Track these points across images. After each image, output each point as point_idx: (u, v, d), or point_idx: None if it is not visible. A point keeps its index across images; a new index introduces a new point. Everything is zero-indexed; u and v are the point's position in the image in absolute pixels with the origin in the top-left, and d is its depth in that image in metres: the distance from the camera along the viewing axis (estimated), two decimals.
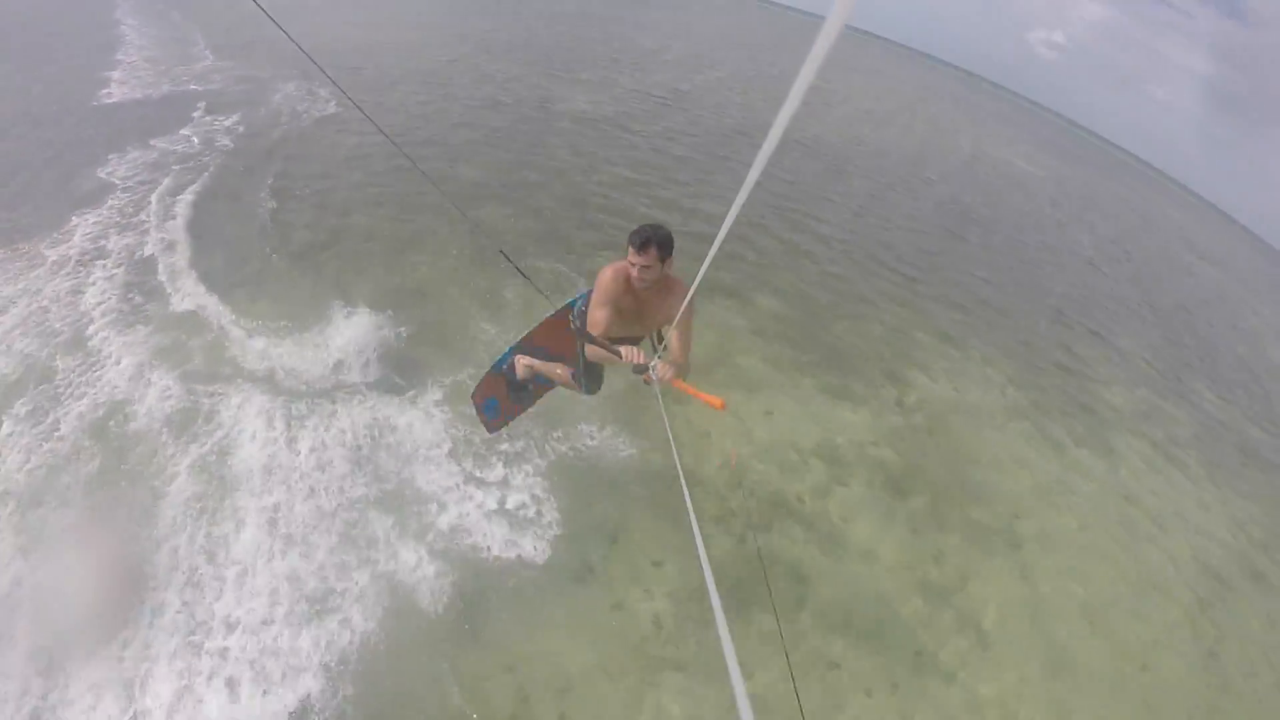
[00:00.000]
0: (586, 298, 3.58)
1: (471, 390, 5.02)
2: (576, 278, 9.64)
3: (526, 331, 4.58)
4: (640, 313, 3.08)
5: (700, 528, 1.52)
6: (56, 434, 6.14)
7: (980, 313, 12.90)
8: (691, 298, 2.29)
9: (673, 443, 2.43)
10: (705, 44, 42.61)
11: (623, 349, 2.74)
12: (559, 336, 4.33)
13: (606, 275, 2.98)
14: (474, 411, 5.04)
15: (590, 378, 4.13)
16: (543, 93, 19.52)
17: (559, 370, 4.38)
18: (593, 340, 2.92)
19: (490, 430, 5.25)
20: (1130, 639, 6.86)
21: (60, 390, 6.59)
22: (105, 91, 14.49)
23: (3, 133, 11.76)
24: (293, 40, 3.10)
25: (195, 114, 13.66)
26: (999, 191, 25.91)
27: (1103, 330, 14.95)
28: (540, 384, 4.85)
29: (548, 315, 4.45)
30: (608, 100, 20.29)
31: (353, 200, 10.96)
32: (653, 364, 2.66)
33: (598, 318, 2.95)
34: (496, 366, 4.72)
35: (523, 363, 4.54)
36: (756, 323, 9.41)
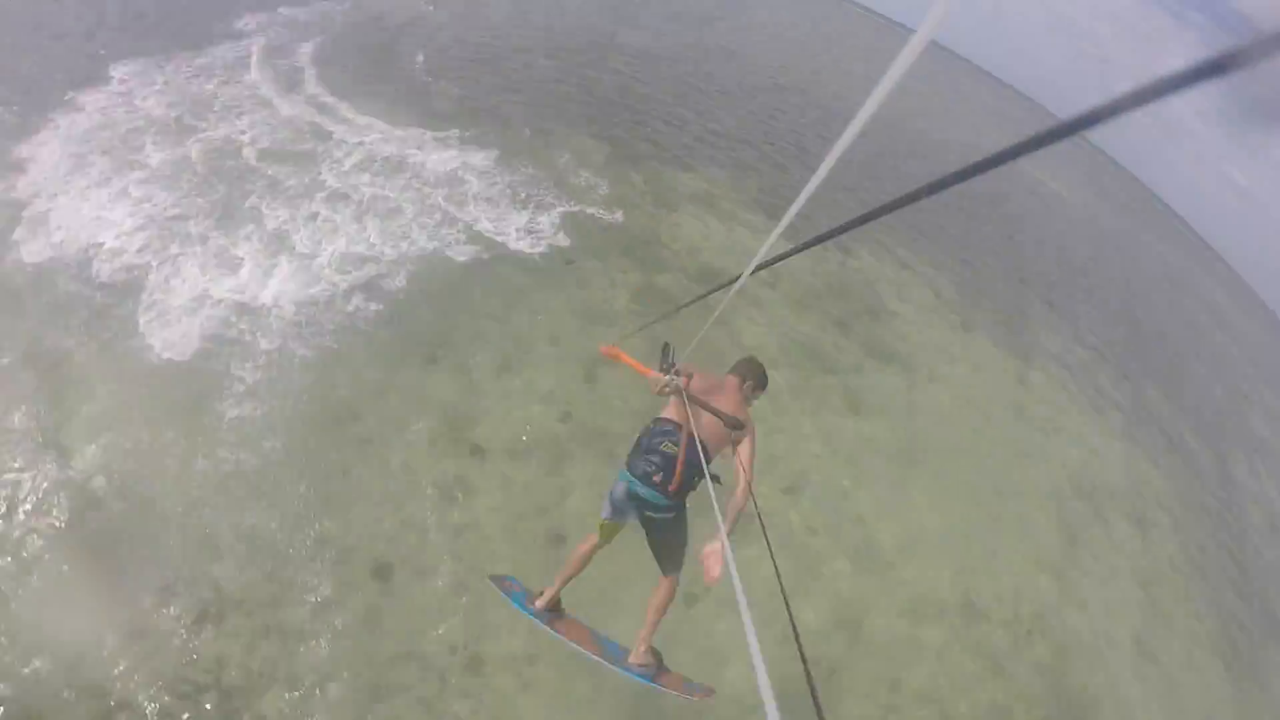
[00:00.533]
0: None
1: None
2: (599, 134, 11.98)
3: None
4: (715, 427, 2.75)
5: None
6: (192, 145, 8.73)
7: (939, 252, 14.17)
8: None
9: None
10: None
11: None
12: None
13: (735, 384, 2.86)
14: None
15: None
16: (605, 26, 22.05)
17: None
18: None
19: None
20: (992, 488, 7.92)
21: (194, 129, 9.09)
22: None
23: None
24: None
25: None
26: (1014, 192, 26.08)
27: (1060, 308, 15.30)
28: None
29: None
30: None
31: (447, 66, 13.46)
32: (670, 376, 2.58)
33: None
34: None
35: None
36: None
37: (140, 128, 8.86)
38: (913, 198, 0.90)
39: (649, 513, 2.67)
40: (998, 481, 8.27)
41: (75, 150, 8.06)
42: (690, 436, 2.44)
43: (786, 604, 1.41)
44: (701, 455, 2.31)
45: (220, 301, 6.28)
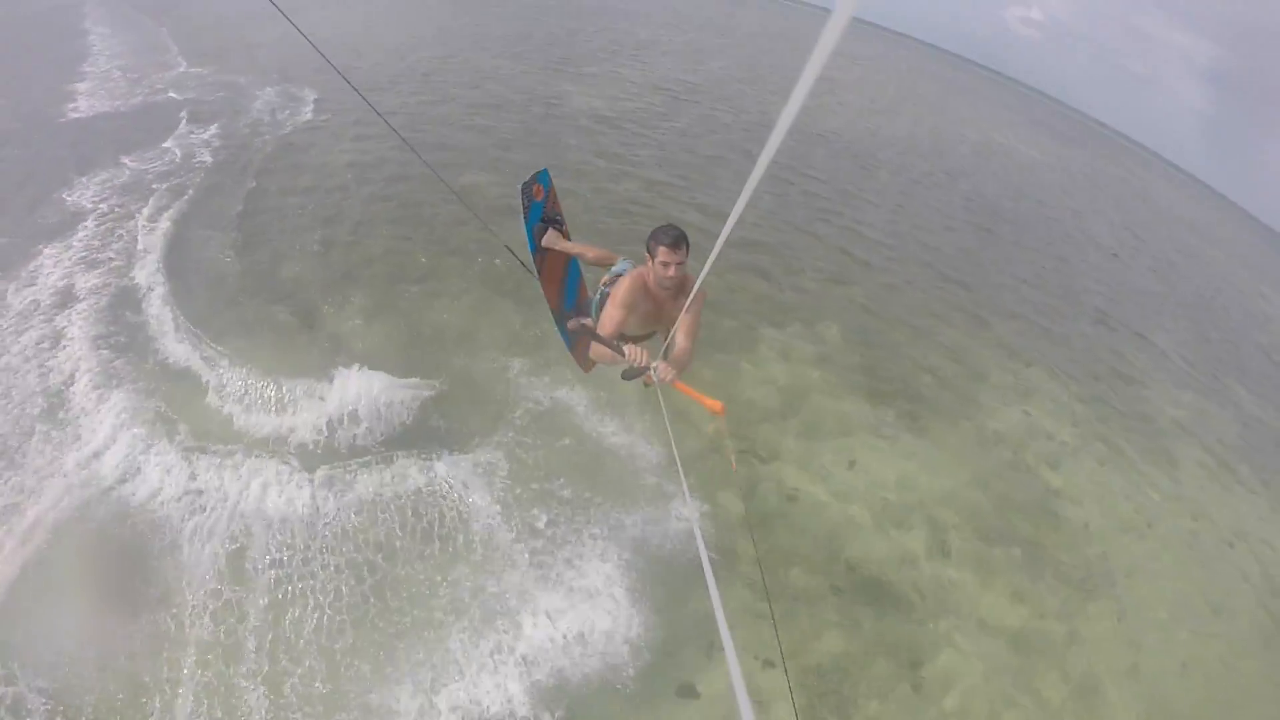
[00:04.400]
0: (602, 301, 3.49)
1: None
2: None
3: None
4: (658, 314, 3.13)
5: None
6: (28, 531, 5.16)
7: (1033, 318, 12.29)
8: (698, 292, 2.32)
9: (679, 465, 2.40)
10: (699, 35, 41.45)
11: (627, 348, 2.74)
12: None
13: (625, 282, 3.03)
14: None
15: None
16: (548, 89, 18.39)
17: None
18: (598, 338, 3.00)
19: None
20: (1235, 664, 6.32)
21: (26, 485, 5.49)
22: (72, 106, 13.20)
23: None
24: (309, 39, 2.97)
25: (171, 126, 12.43)
26: (1015, 182, 25.36)
27: (1144, 331, 14.39)
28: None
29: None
30: (608, 98, 19.19)
31: (345, 216, 9.80)
32: (654, 365, 2.67)
33: (613, 317, 2.98)
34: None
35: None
36: (818, 360, 8.49)
37: None
38: None
39: None
40: (1231, 653, 6.57)
41: None
42: None
43: None
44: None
45: None
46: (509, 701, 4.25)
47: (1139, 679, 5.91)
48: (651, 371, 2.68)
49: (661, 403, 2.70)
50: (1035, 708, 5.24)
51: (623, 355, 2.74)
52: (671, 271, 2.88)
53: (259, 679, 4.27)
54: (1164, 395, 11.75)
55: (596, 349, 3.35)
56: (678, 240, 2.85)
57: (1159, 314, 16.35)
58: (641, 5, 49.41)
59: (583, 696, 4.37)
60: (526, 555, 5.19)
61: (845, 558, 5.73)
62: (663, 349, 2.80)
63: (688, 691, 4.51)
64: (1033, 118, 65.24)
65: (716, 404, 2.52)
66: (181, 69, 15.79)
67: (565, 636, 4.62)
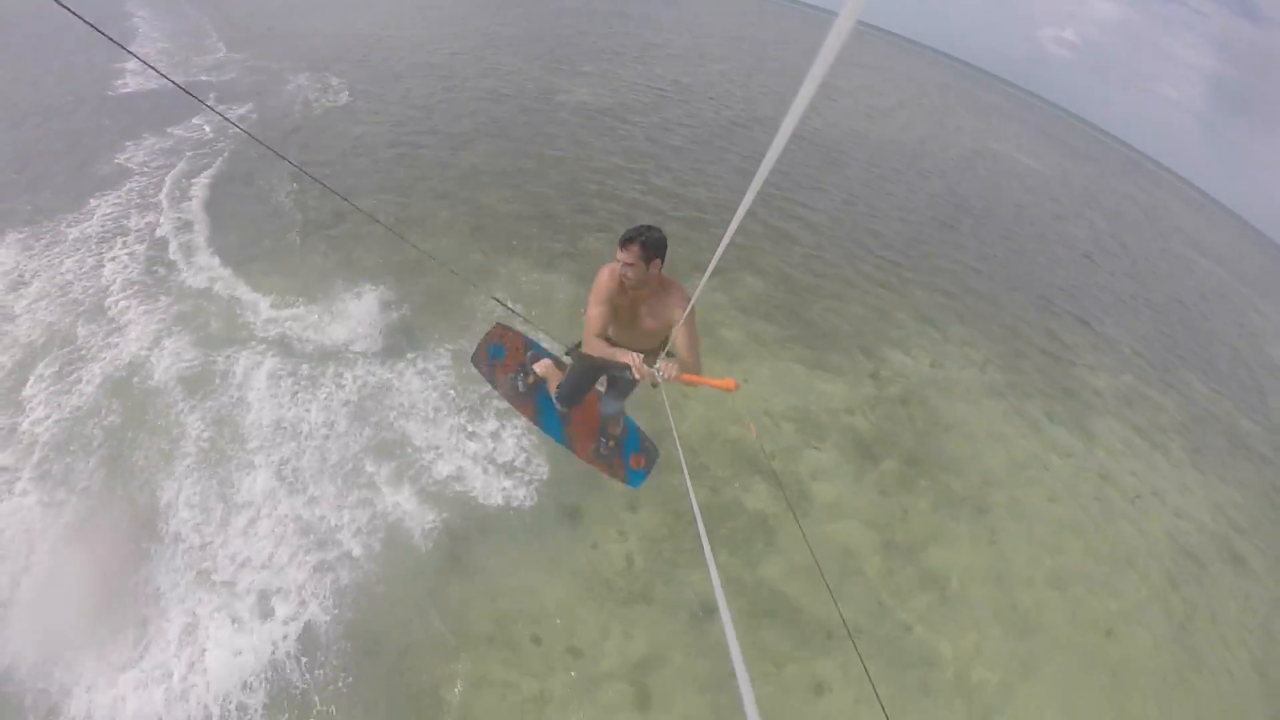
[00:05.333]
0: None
1: (471, 353, 4.91)
2: (566, 258, 10.09)
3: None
4: (635, 314, 3.12)
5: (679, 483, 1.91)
6: (79, 390, 6.68)
7: (965, 298, 13.17)
8: (693, 305, 2.49)
9: (677, 440, 2.53)
10: (709, 39, 42.85)
11: (623, 354, 2.76)
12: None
13: (603, 274, 3.07)
14: (477, 371, 4.85)
15: (572, 388, 4.03)
16: (545, 84, 19.95)
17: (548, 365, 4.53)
18: (591, 356, 3.06)
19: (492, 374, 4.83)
20: (1098, 609, 7.10)
21: (82, 353, 7.13)
22: (120, 82, 15.05)
23: (19, 122, 12.29)
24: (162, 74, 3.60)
25: (208, 103, 14.18)
26: (997, 185, 26.04)
27: (1091, 319, 15.08)
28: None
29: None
30: (608, 92, 20.68)
31: (360, 184, 11.47)
32: (657, 366, 2.69)
33: (593, 315, 3.07)
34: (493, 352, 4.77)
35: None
36: (738, 300, 9.82)
37: (19, 365, 6.75)
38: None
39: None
40: (1104, 589, 7.38)
41: None
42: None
43: None
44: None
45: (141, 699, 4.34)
46: (422, 514, 5.64)
47: (999, 584, 6.83)
48: (655, 372, 2.69)
49: (664, 397, 2.68)
50: (881, 584, 6.34)
51: (621, 359, 2.77)
52: (628, 273, 2.92)
53: (255, 467, 5.72)
54: (1096, 375, 12.52)
55: (601, 350, 3.20)
56: (628, 239, 2.87)
57: (1118, 309, 16.84)
58: (660, 11, 50.99)
59: (487, 515, 5.72)
60: (457, 421, 6.59)
61: (724, 438, 6.99)
62: (664, 352, 2.91)
63: (573, 513, 5.85)
64: (1048, 133, 65.30)
65: (728, 382, 2.53)
66: (221, 54, 17.66)
67: (474, 474, 6.01)
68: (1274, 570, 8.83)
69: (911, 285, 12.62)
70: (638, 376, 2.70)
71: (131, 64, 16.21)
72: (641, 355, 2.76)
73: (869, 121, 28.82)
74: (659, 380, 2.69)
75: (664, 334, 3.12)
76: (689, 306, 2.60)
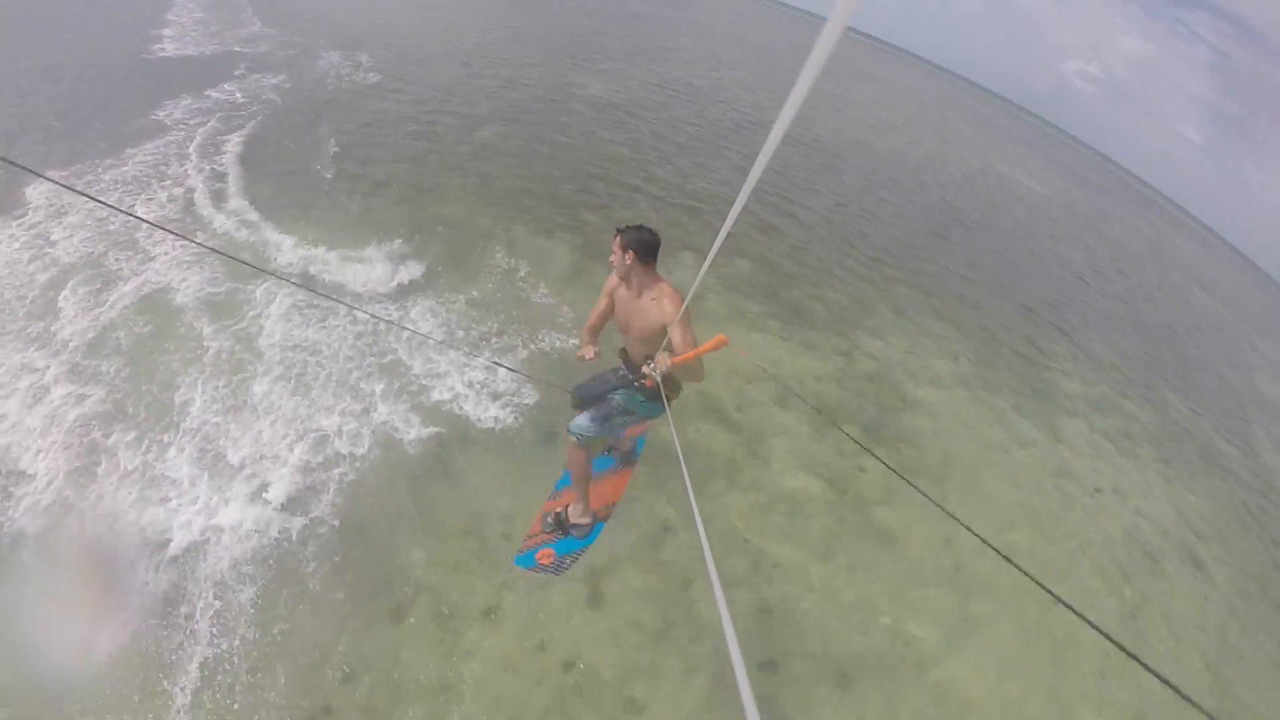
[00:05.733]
0: None
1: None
2: (565, 230, 10.76)
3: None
4: (629, 313, 3.26)
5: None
6: (109, 305, 7.38)
7: (946, 299, 13.70)
8: (687, 305, 2.68)
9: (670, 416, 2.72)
10: (725, 45, 43.78)
11: (587, 348, 3.22)
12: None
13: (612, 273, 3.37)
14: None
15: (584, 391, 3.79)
16: (560, 78, 20.76)
17: None
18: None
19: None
20: (1049, 580, 7.08)
21: (114, 275, 7.84)
22: (159, 46, 15.95)
23: (58, 77, 13.08)
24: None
25: (247, 71, 15.07)
26: (996, 203, 26.55)
27: (1073, 332, 15.36)
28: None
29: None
30: (620, 88, 21.47)
31: (383, 153, 12.21)
32: (652, 365, 2.82)
33: (598, 305, 3.45)
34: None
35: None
36: (723, 277, 10.44)
37: (54, 280, 7.50)
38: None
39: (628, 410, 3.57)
40: (1054, 570, 7.66)
41: None
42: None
43: None
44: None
45: (152, 554, 4.97)
46: (420, 424, 6.28)
47: (947, 548, 7.15)
48: (648, 368, 2.85)
49: (668, 413, 2.69)
50: (829, 531, 6.87)
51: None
52: (611, 262, 3.23)
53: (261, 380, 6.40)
54: (1070, 380, 12.89)
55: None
56: (616, 232, 3.19)
57: (1103, 326, 17.05)
58: (682, 13, 52.02)
59: (474, 432, 6.35)
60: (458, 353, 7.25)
61: (695, 389, 7.58)
62: (660, 350, 3.04)
63: (550, 437, 6.47)
64: (1060, 161, 65.69)
65: (718, 339, 2.63)
66: (256, 27, 18.57)
67: (468, 395, 6.66)
68: (1234, 580, 8.97)
69: (894, 283, 13.18)
70: (649, 382, 2.93)
71: (168, 30, 17.15)
72: (650, 363, 2.94)
73: (874, 134, 29.49)
74: (656, 377, 2.81)
75: (660, 333, 3.14)
76: (683, 306, 2.73)
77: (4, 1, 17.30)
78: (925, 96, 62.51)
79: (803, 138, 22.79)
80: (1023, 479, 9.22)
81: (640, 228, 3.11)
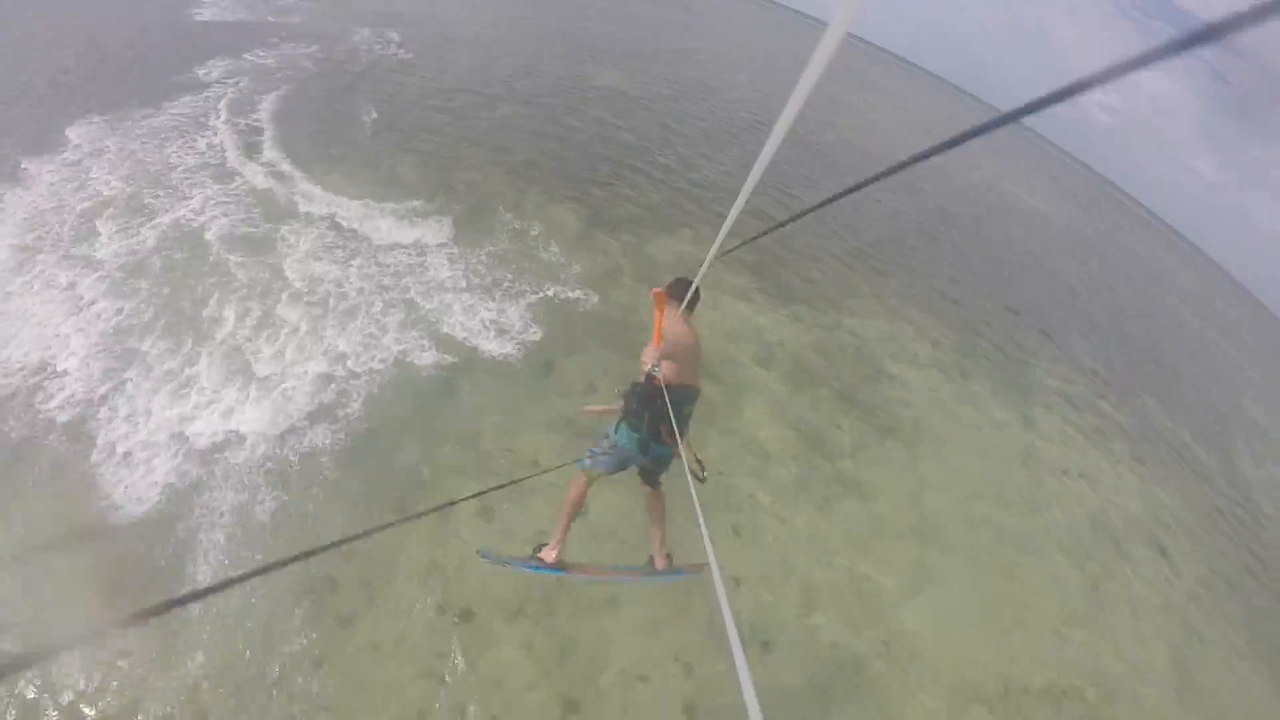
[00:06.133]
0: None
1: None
2: (570, 200, 11.43)
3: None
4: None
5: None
6: (145, 233, 8.04)
7: (930, 294, 14.11)
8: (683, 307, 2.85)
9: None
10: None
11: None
12: None
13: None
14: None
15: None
16: (574, 68, 21.47)
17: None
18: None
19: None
20: (1007, 549, 7.83)
21: (149, 209, 8.51)
22: (197, 11, 16.67)
23: (99, 39, 13.53)
24: None
25: (276, 40, 15.80)
26: (995, 216, 27.13)
27: (1055, 335, 15.70)
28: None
29: None
30: (635, 84, 22.16)
31: (409, 121, 12.91)
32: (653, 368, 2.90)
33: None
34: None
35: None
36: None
37: (92, 210, 8.20)
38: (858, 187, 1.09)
39: (656, 458, 3.26)
40: (1016, 540, 8.13)
41: (22, 240, 7.42)
42: (667, 390, 2.94)
43: None
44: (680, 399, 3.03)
45: (180, 447, 5.60)
46: (434, 350, 6.94)
47: (913, 505, 7.73)
48: (651, 368, 2.93)
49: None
50: (799, 483, 7.42)
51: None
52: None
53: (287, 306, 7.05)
54: (1049, 377, 13.18)
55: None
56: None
57: (1089, 335, 17.37)
58: (696, 18, 52.82)
59: (481, 361, 7.00)
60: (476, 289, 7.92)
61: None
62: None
63: (548, 368, 7.14)
64: (1070, 188, 65.98)
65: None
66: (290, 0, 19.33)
67: (480, 327, 7.34)
68: (1201, 575, 9.27)
69: (879, 274, 13.77)
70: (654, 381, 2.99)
71: None
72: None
73: (878, 139, 30.15)
74: (655, 373, 2.94)
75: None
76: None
77: None
78: (940, 112, 63.17)
79: (809, 141, 23.45)
80: (992, 455, 9.69)
81: (678, 281, 3.13)
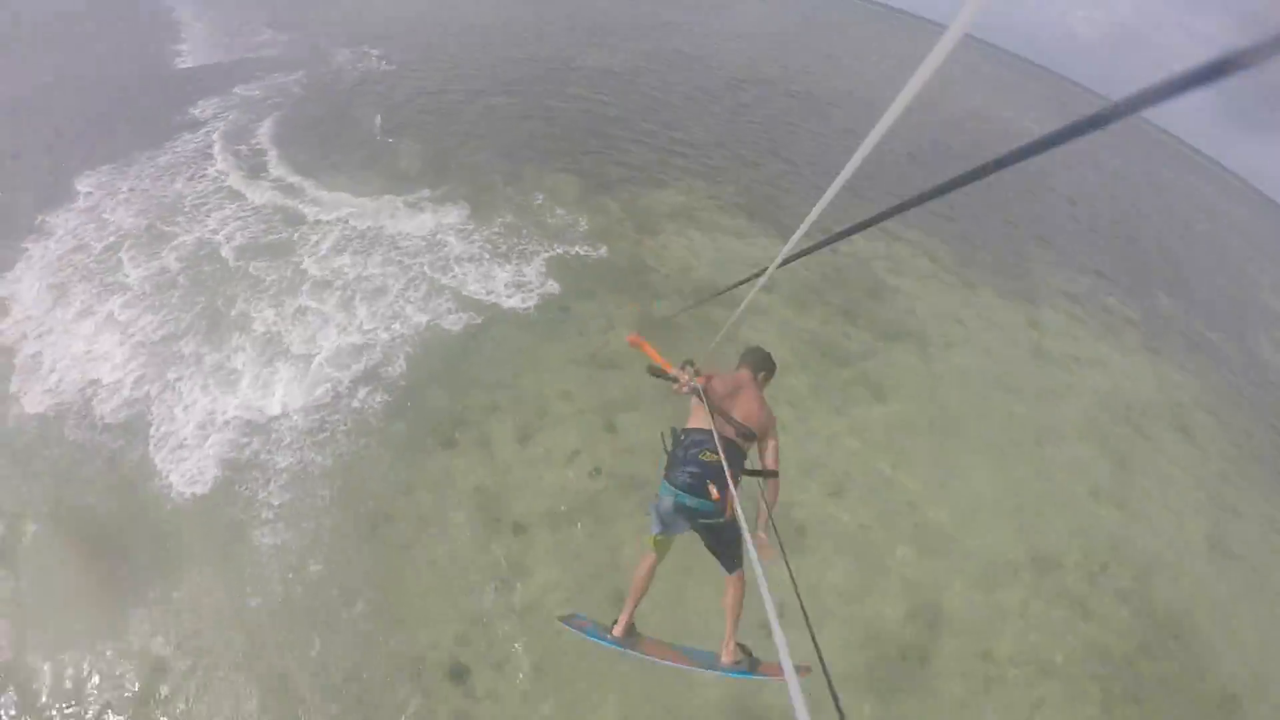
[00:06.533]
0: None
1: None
2: (565, 171, 11.88)
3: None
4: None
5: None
6: (168, 253, 8.60)
7: (921, 214, 14.03)
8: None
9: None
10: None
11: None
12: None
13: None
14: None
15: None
16: (558, 53, 21.83)
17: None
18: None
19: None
20: (1030, 437, 8.01)
21: (167, 236, 9.00)
22: (179, 60, 17.27)
23: (88, 88, 14.05)
24: None
25: (267, 71, 16.40)
26: (986, 138, 26.88)
27: (1055, 242, 15.72)
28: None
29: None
30: (616, 58, 22.44)
31: (402, 123, 13.43)
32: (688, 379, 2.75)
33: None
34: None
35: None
36: (716, 197, 11.53)
37: (114, 244, 8.79)
38: (943, 189, 0.96)
39: (702, 520, 2.74)
40: (1035, 429, 8.39)
41: (52, 280, 8.03)
42: (723, 439, 2.55)
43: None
44: (735, 455, 2.60)
45: (228, 423, 6.18)
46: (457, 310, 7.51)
47: (931, 399, 8.10)
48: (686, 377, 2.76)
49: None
50: (819, 382, 7.83)
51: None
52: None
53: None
54: (1053, 274, 13.26)
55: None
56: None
57: (1090, 242, 17.22)
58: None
59: (503, 314, 7.58)
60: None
61: (685, 273, 8.74)
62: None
63: (566, 312, 7.69)
64: (1069, 110, 64.35)
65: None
66: (266, 35, 19.96)
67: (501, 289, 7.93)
68: (1226, 450, 9.39)
69: (870, 202, 13.90)
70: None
71: (184, 45, 18.44)
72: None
73: (870, 86, 29.95)
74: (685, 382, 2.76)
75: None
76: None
77: (20, 24, 18.66)
78: (920, 54, 61.86)
79: (795, 91, 23.56)
80: (1001, 353, 9.87)
81: (758, 349, 3.12)
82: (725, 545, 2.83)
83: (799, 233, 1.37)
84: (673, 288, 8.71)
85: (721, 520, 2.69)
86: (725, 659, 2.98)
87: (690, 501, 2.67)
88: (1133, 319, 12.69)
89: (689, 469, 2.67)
